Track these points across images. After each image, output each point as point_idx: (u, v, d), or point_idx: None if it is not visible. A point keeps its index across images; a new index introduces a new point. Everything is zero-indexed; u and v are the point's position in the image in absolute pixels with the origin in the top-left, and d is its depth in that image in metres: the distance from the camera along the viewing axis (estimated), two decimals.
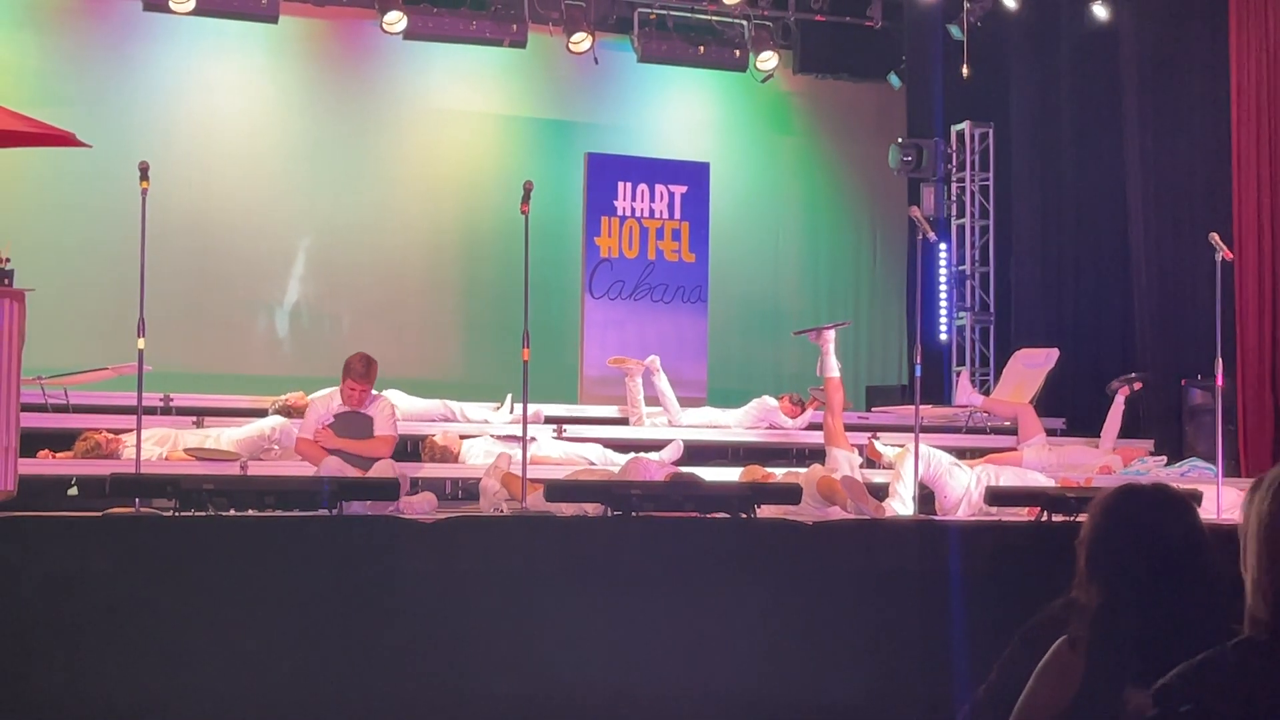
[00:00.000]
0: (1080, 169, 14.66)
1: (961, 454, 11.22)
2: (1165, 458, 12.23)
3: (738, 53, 14.72)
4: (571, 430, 11.69)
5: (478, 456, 10.53)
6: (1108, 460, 11.94)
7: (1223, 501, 9.77)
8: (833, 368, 11.20)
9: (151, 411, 10.64)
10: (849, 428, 11.32)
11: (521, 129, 14.80)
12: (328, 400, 9.61)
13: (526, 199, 8.68)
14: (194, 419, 10.87)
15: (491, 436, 11.03)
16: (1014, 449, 12.02)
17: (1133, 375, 12.80)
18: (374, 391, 9.62)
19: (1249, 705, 2.60)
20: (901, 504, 9.69)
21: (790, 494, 8.35)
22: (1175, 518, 3.50)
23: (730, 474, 10.63)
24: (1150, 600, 3.40)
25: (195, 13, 12.99)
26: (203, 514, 6.87)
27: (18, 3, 13.22)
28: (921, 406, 9.72)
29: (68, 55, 13.34)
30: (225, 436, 10.37)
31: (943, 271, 15.55)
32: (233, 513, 6.99)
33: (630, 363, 12.42)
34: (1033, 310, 14.89)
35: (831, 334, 11.33)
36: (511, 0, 13.88)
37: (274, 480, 8.62)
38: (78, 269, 12.68)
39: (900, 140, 15.45)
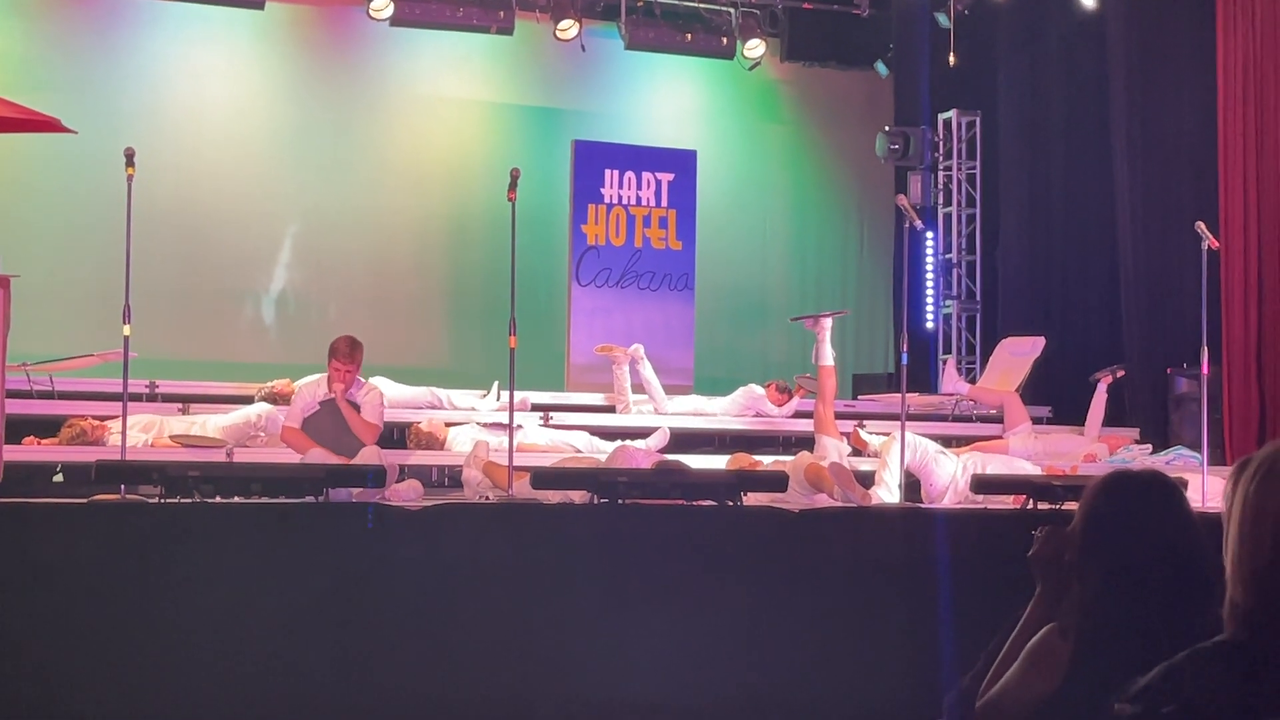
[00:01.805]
0: (1067, 157, 14.67)
1: (948, 442, 11.24)
2: (1151, 446, 12.26)
3: (725, 40, 14.71)
4: (558, 418, 11.70)
5: (464, 444, 10.53)
6: (1093, 448, 11.96)
7: (1208, 489, 9.79)
8: (827, 355, 11.21)
9: (137, 398, 10.62)
10: (835, 415, 11.32)
11: (508, 116, 14.78)
12: (314, 388, 9.60)
13: (513, 186, 8.67)
14: (180, 406, 10.86)
15: (478, 424, 11.03)
16: (1000, 437, 12.04)
17: (1115, 365, 12.82)
18: (361, 379, 9.61)
19: (1231, 704, 2.60)
20: (888, 492, 9.71)
21: (777, 481, 8.36)
22: (1167, 503, 3.51)
23: (717, 462, 10.65)
24: (1141, 586, 3.40)
25: None
26: (188, 501, 6.86)
27: None
28: (908, 394, 9.73)
29: (53, 41, 13.30)
30: (211, 423, 10.36)
31: (929, 260, 15.56)
32: (218, 499, 6.99)
33: (616, 350, 12.42)
34: (1019, 298, 14.90)
35: (828, 322, 11.34)
36: None
37: (260, 467, 8.61)
38: (63, 256, 12.65)
39: (887, 128, 15.45)
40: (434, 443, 10.70)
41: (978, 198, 15.56)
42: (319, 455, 9.06)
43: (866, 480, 9.91)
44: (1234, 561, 2.72)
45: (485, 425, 10.98)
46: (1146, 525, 3.47)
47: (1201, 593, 3.36)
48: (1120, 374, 12.71)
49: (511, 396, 8.81)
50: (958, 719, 3.74)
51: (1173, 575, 3.40)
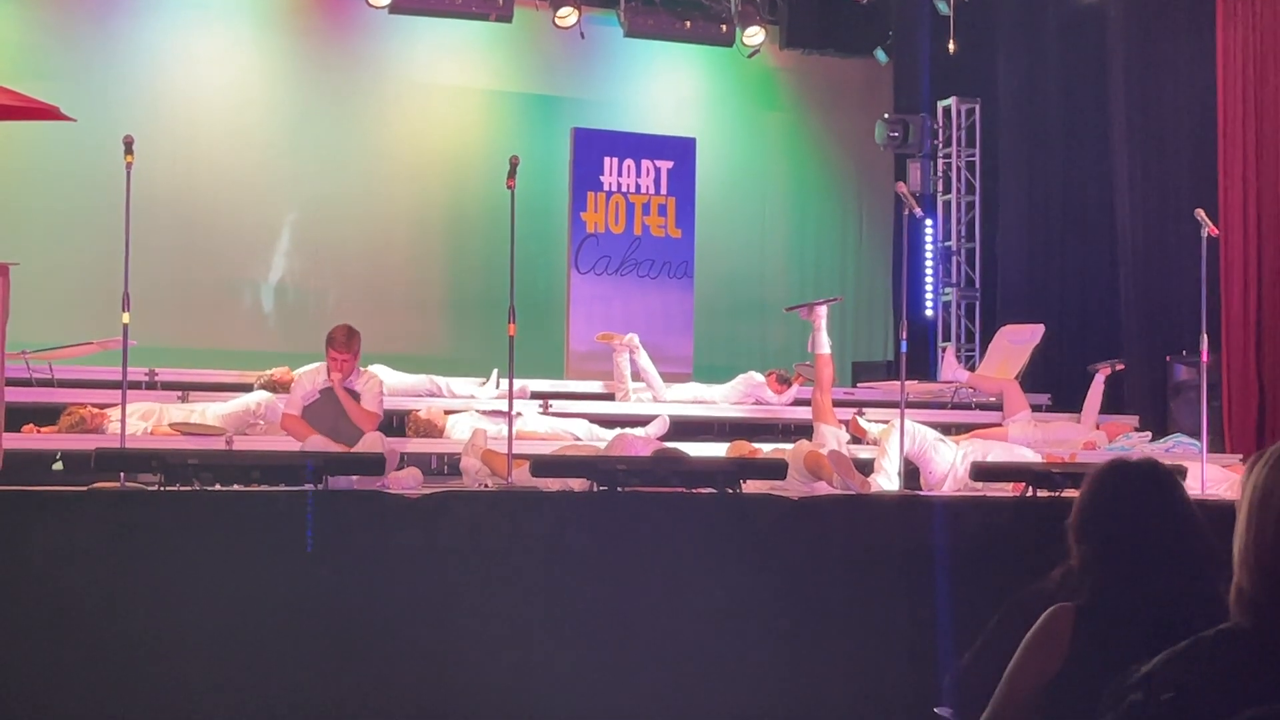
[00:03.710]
0: (1067, 144, 14.67)
1: (947, 430, 11.24)
2: (1150, 433, 12.26)
3: (724, 27, 14.69)
4: (557, 405, 11.69)
5: (463, 432, 10.53)
6: (1093, 436, 11.97)
7: (1207, 477, 9.81)
8: (824, 344, 11.20)
9: (137, 386, 10.62)
10: (835, 403, 11.33)
11: (507, 104, 14.77)
12: (313, 376, 9.59)
13: (513, 174, 8.66)
14: (179, 394, 10.85)
15: (477, 412, 11.03)
16: (999, 425, 12.04)
17: (1114, 359, 12.82)
18: (360, 367, 9.60)
19: (1231, 694, 2.60)
20: (887, 479, 9.70)
21: (776, 469, 8.35)
22: (1162, 490, 3.54)
23: (717, 449, 10.65)
24: (1138, 572, 3.43)
25: None
26: (188, 489, 6.86)
27: None
28: (907, 382, 9.73)
29: (52, 28, 13.29)
30: (210, 411, 10.35)
31: (929, 247, 15.57)
32: (218, 487, 6.98)
33: (615, 338, 12.43)
34: (1018, 286, 14.90)
35: (823, 310, 11.33)
36: None
37: (259, 455, 8.59)
38: (62, 243, 12.64)
39: (887, 116, 15.44)
40: (433, 430, 10.70)
41: (977, 185, 15.56)
42: (319, 443, 9.05)
43: (865, 468, 9.91)
44: (1241, 548, 2.73)
45: (484, 413, 10.98)
46: (1142, 512, 3.50)
47: (1198, 579, 3.38)
48: (1120, 368, 12.72)
49: (511, 384, 8.81)
50: (956, 700, 3.76)
51: (1169, 562, 3.43)
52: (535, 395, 11.69)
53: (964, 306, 15.60)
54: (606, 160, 13.55)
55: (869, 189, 16.07)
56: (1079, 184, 14.54)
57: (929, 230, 15.52)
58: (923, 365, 14.29)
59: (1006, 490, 9.11)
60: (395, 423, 10.86)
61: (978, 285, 15.53)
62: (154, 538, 6.55)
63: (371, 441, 9.09)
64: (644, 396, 12.28)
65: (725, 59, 15.16)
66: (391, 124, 14.42)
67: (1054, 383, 13.74)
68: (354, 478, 8.07)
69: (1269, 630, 2.65)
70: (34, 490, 7.01)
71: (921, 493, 9.68)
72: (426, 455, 10.65)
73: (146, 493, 7.04)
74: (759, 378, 12.38)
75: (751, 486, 8.01)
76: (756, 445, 10.50)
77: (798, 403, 12.20)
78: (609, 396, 12.39)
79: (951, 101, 15.56)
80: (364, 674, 6.64)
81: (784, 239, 15.86)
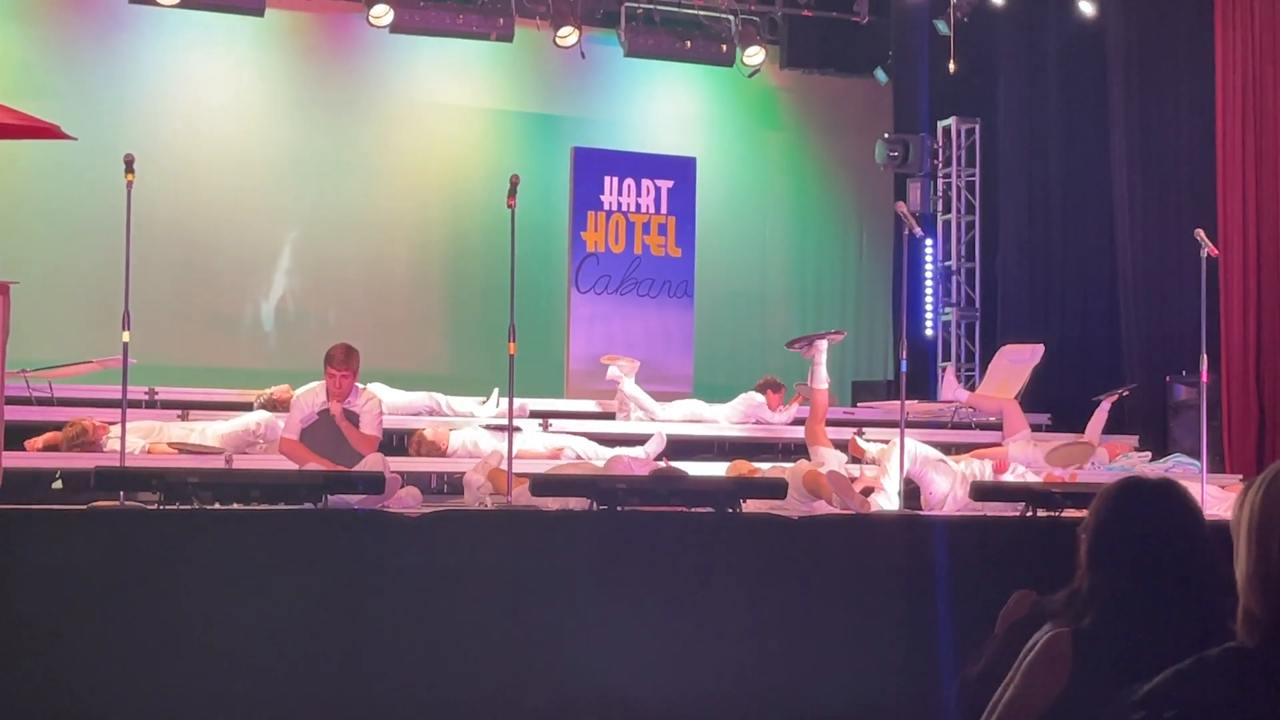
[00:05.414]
0: (1066, 164, 14.69)
1: (947, 449, 11.22)
2: (1150, 453, 12.26)
3: (724, 47, 14.71)
4: (557, 424, 11.68)
5: (465, 443, 10.54)
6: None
7: (1207, 497, 9.80)
8: (823, 379, 11.21)
9: (136, 405, 10.60)
10: (835, 423, 11.33)
11: (508, 123, 14.78)
12: (311, 397, 9.54)
13: (513, 193, 8.66)
14: (179, 413, 10.84)
15: (482, 428, 11.02)
16: (999, 444, 12.03)
17: (1122, 387, 12.81)
18: (359, 386, 9.58)
19: (1235, 714, 2.60)
20: (887, 499, 9.70)
21: (776, 489, 8.34)
22: (1177, 509, 3.52)
23: (717, 468, 10.64)
24: (1148, 590, 3.42)
25: (181, 5, 12.98)
26: (187, 507, 6.85)
27: None
28: (907, 402, 9.72)
29: (53, 47, 13.31)
30: (210, 430, 10.34)
31: (929, 267, 15.58)
32: (217, 506, 6.98)
33: (620, 360, 12.42)
34: (1018, 306, 14.91)
35: (823, 344, 11.33)
36: None
37: (259, 474, 8.59)
38: (63, 262, 12.65)
39: (887, 135, 15.46)
40: (436, 450, 10.67)
41: (977, 205, 15.57)
42: (318, 468, 9.03)
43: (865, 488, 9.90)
44: (1246, 574, 2.73)
45: (486, 428, 10.98)
46: (1153, 529, 3.48)
47: (1208, 599, 3.37)
48: (1125, 393, 12.69)
49: (511, 403, 8.81)
50: (962, 709, 3.76)
51: (1180, 580, 3.42)
52: (535, 414, 11.68)
53: (964, 326, 15.60)
54: (607, 179, 13.57)
55: (869, 209, 16.07)
56: (1079, 203, 14.55)
57: (929, 250, 15.54)
58: (923, 385, 14.28)
59: (1007, 510, 9.11)
60: (395, 442, 10.85)
61: (978, 305, 15.54)
62: (153, 556, 6.54)
63: (372, 462, 9.06)
64: (643, 415, 12.27)
65: (725, 79, 15.19)
66: (392, 143, 14.43)
67: (1054, 402, 13.74)
68: (354, 497, 8.05)
69: (1276, 651, 2.64)
70: (34, 508, 7.01)
71: (921, 512, 9.67)
72: (426, 474, 10.64)
73: (146, 511, 7.03)
74: (759, 398, 12.38)
75: (751, 506, 8.01)
76: (756, 465, 10.49)
77: (797, 422, 12.20)
78: (609, 415, 12.39)
79: (951, 121, 15.58)
80: (364, 692, 6.63)
81: (784, 258, 15.86)
